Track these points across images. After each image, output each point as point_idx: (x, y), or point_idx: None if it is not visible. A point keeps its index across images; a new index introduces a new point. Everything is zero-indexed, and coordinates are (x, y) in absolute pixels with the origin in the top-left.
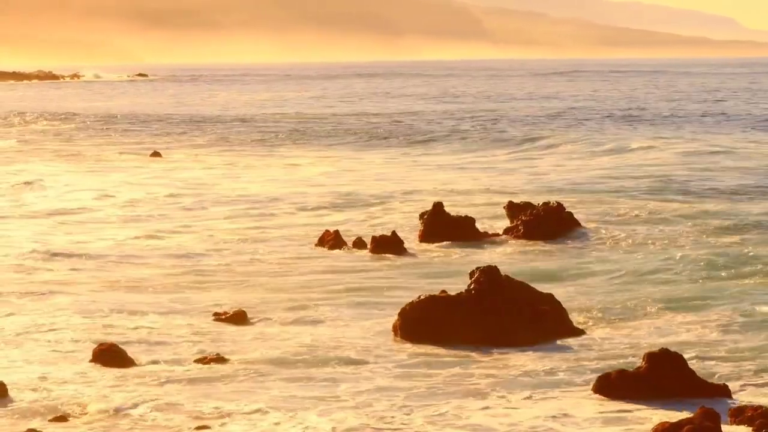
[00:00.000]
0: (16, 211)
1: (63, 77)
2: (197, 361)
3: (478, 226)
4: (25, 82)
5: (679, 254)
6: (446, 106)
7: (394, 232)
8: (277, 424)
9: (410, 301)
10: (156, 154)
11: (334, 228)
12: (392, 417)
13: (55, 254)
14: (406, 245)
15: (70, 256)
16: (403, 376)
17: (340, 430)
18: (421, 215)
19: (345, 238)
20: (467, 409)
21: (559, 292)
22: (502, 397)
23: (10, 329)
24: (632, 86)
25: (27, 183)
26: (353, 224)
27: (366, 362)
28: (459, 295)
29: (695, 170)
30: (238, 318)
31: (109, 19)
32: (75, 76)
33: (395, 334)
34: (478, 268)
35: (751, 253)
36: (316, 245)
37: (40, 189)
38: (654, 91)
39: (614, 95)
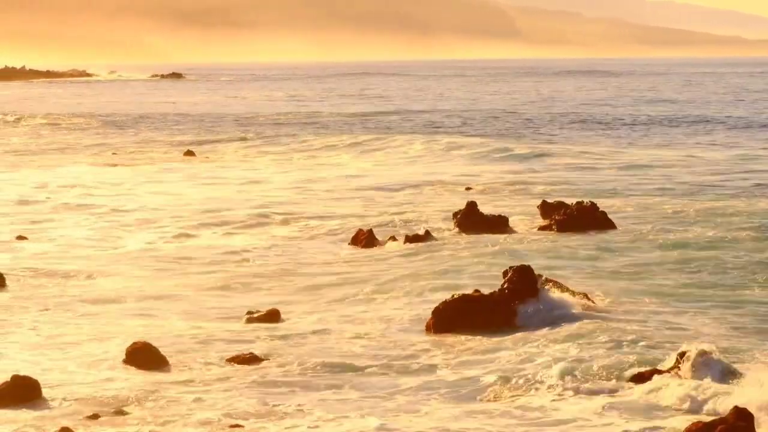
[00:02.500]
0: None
1: (89, 75)
2: (230, 360)
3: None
4: (57, 80)
5: (719, 255)
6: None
7: (427, 231)
8: (315, 426)
9: (443, 300)
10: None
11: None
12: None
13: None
14: (440, 241)
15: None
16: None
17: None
18: (455, 214)
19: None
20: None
21: (594, 289)
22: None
23: (44, 327)
24: None
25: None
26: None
27: (401, 364)
28: (492, 293)
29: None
30: (272, 317)
31: (140, 18)
32: (111, 72)
33: (428, 332)
34: (511, 267)
35: None
36: (349, 243)
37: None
38: None
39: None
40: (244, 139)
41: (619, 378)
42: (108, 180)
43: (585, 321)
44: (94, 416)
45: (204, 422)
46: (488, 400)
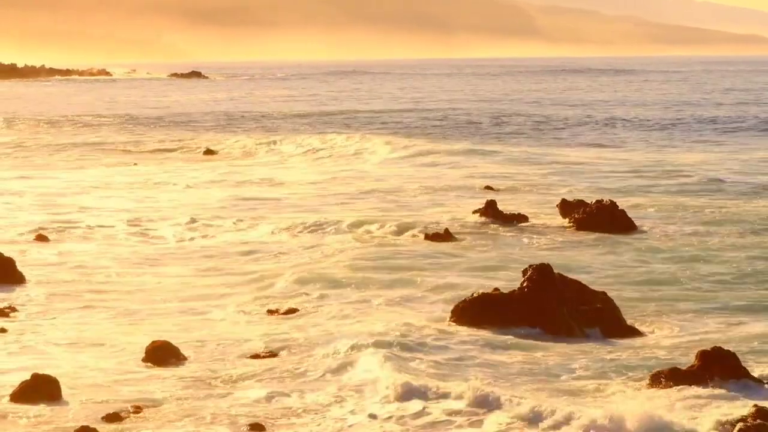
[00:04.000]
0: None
1: (108, 74)
2: (252, 357)
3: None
4: (76, 78)
5: (739, 255)
6: None
7: (446, 230)
8: (341, 418)
9: (463, 298)
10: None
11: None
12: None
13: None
14: (459, 239)
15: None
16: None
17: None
18: (474, 212)
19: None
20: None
21: (612, 289)
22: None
23: (65, 325)
24: None
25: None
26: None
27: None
28: (512, 292)
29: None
30: (290, 313)
31: (161, 17)
32: (132, 71)
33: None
34: (531, 266)
35: None
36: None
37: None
38: None
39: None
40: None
41: None
42: (143, 178)
43: None
44: (114, 415)
45: (224, 420)
46: None
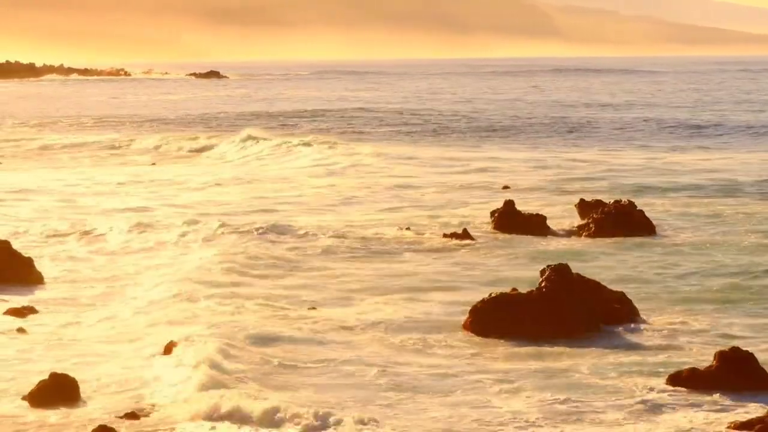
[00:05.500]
0: None
1: (127, 73)
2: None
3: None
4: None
5: (761, 258)
6: None
7: (465, 230)
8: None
9: (481, 299)
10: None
11: None
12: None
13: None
14: (477, 240)
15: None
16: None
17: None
18: (493, 212)
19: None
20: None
21: (631, 289)
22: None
23: (84, 325)
24: None
25: None
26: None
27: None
28: (530, 292)
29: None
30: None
31: (179, 16)
32: (148, 71)
33: (466, 331)
34: (549, 266)
35: None
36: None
37: None
38: None
39: None
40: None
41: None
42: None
43: None
44: (131, 414)
45: (243, 421)
46: None
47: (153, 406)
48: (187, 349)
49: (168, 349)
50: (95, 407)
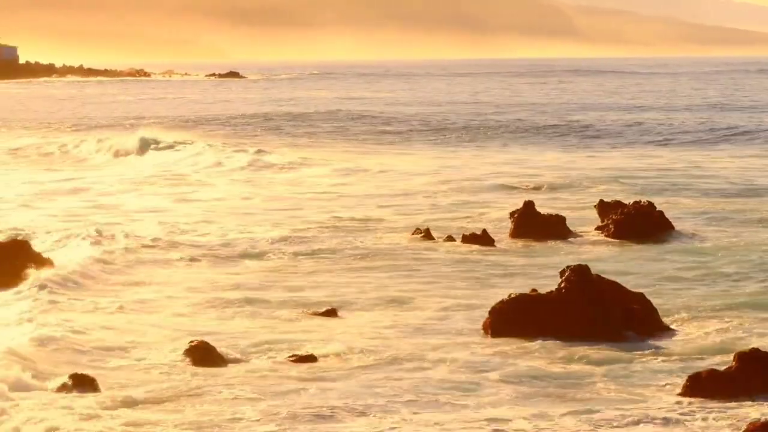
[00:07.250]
0: None
1: (147, 74)
2: (291, 359)
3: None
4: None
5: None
6: None
7: (484, 230)
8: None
9: (501, 299)
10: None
11: None
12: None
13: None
14: (497, 241)
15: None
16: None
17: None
18: (512, 213)
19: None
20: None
21: (650, 290)
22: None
23: (101, 326)
24: None
25: None
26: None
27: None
28: (549, 293)
29: None
30: (331, 313)
31: (199, 17)
32: (168, 72)
33: (485, 332)
34: (568, 267)
35: None
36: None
37: None
38: None
39: None
40: None
41: None
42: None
43: None
44: (148, 414)
45: (261, 421)
46: None
47: (172, 404)
48: None
49: (188, 351)
50: (112, 403)
